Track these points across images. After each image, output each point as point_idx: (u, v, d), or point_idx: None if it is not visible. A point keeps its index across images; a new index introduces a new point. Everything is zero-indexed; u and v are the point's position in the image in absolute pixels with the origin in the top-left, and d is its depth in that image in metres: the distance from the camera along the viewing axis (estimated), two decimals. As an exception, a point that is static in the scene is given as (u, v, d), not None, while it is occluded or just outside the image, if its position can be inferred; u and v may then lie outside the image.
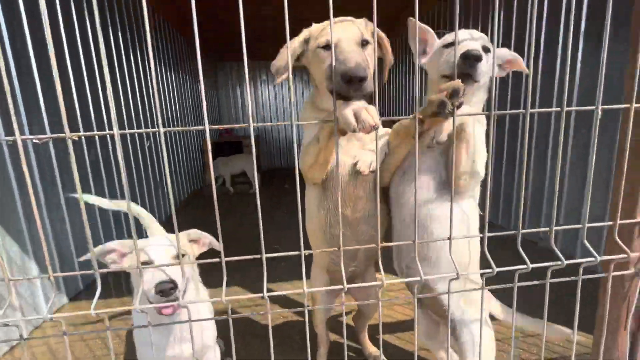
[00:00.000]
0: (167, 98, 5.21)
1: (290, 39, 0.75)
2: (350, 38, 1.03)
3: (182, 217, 4.83)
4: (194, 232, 1.24)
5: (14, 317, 2.02)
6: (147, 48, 4.41)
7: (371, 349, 1.92)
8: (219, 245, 0.82)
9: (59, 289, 2.55)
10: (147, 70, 4.42)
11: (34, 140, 0.72)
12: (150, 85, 4.44)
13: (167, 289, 0.99)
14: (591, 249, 0.99)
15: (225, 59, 9.01)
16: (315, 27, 1.16)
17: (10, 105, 0.69)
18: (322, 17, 1.04)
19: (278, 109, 9.55)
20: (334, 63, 0.95)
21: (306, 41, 1.17)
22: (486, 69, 1.10)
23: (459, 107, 0.85)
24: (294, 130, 0.76)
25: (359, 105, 0.89)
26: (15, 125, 0.70)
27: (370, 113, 0.86)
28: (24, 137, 0.70)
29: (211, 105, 8.41)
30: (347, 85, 0.93)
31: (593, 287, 1.17)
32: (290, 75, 0.78)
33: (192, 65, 6.59)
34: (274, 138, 9.63)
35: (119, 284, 2.81)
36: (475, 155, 1.11)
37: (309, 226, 1.41)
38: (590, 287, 1.13)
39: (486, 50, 1.12)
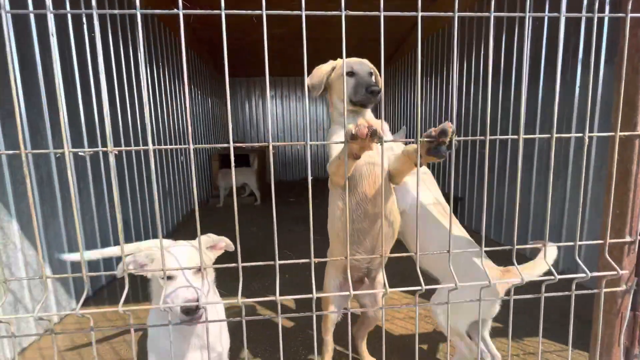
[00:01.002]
0: (181, 110, 5.39)
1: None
2: (365, 70, 1.52)
3: (189, 228, 4.92)
4: (212, 238, 1.29)
5: (22, 314, 2.09)
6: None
7: (369, 359, 1.96)
8: (233, 247, 0.90)
9: (69, 295, 2.62)
10: (158, 82, 4.60)
11: (80, 153, 0.82)
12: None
13: (192, 309, 1.01)
14: (583, 265, 1.05)
15: (235, 75, 9.29)
16: (338, 60, 1.59)
17: (62, 122, 0.79)
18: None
19: (285, 122, 9.78)
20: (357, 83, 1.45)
21: (332, 69, 1.59)
22: None
23: (449, 147, 1.02)
24: (307, 150, 0.86)
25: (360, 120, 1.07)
26: (64, 139, 0.80)
27: (367, 119, 1.03)
28: (72, 150, 0.80)
29: (220, 119, 8.60)
30: (370, 94, 1.43)
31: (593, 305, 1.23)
32: (307, 102, 0.89)
33: (202, 82, 6.83)
34: (280, 152, 9.80)
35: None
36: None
37: (334, 223, 1.58)
38: (590, 305, 1.19)
39: None
